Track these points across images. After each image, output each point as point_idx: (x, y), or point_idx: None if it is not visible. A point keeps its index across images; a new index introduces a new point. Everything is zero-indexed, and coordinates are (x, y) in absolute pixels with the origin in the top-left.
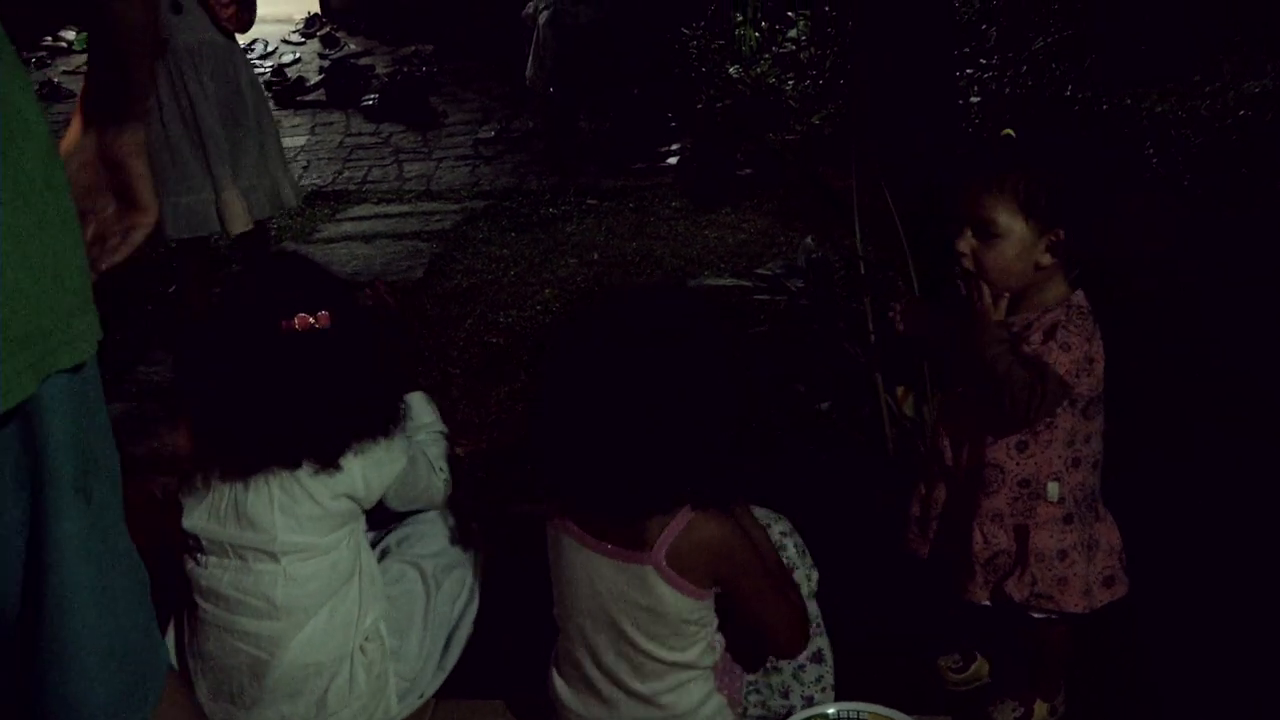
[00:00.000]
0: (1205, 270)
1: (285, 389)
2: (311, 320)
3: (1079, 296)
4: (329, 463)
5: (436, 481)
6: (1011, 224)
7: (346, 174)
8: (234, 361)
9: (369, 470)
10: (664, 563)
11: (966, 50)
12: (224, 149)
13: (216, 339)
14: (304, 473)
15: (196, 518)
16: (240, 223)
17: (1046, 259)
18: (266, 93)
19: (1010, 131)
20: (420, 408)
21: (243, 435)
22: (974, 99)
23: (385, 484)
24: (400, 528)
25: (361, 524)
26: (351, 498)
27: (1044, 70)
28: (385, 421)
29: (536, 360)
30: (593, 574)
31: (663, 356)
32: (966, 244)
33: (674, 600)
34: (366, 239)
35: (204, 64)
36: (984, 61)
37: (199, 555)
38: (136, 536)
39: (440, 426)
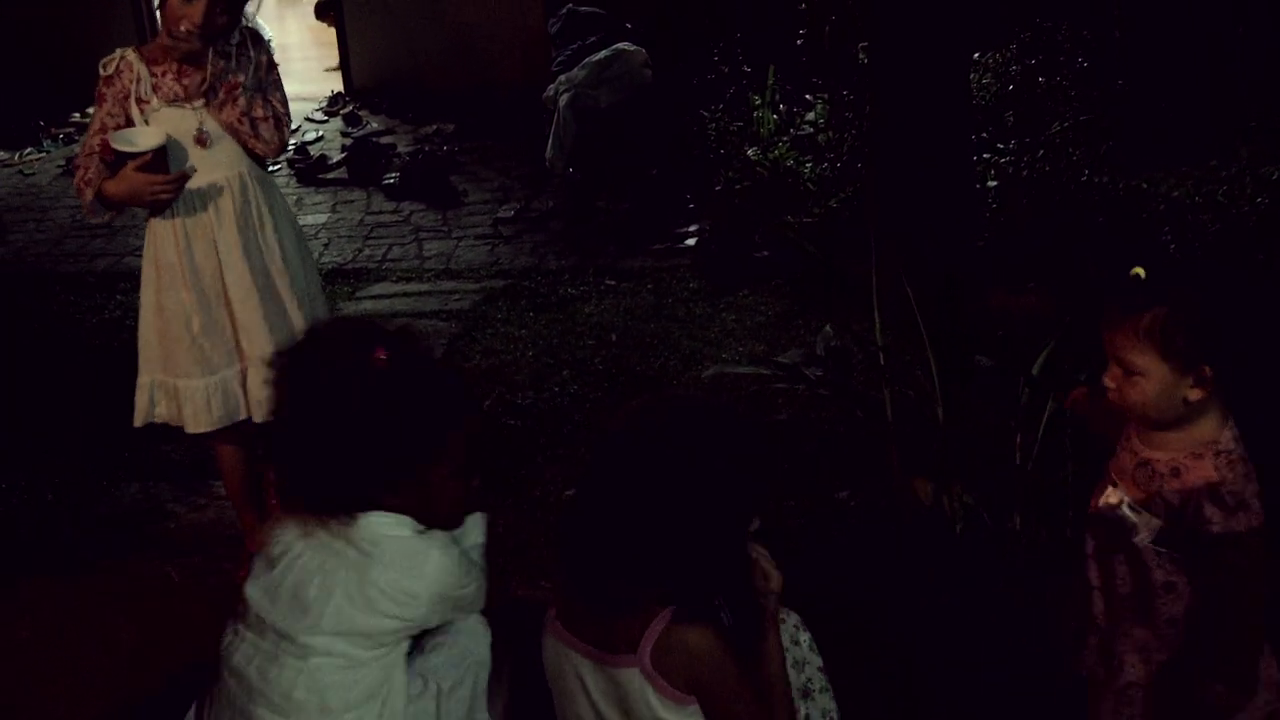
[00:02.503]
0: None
1: (354, 420)
2: (383, 357)
3: (1228, 436)
4: (365, 505)
5: (478, 599)
6: (1150, 365)
7: (367, 252)
8: (329, 394)
9: (435, 605)
10: (648, 664)
11: (984, 134)
12: (256, 316)
13: (307, 377)
14: (377, 573)
15: (255, 588)
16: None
17: (1195, 394)
18: (289, 170)
19: (1140, 271)
20: (474, 527)
21: (321, 470)
22: (991, 183)
23: (444, 616)
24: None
25: (403, 649)
26: (405, 620)
27: (1061, 155)
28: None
29: (554, 444)
30: (584, 680)
31: (662, 465)
32: (1111, 378)
33: (658, 704)
34: (385, 318)
35: (226, 207)
36: (1001, 146)
37: (240, 627)
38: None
39: (481, 548)
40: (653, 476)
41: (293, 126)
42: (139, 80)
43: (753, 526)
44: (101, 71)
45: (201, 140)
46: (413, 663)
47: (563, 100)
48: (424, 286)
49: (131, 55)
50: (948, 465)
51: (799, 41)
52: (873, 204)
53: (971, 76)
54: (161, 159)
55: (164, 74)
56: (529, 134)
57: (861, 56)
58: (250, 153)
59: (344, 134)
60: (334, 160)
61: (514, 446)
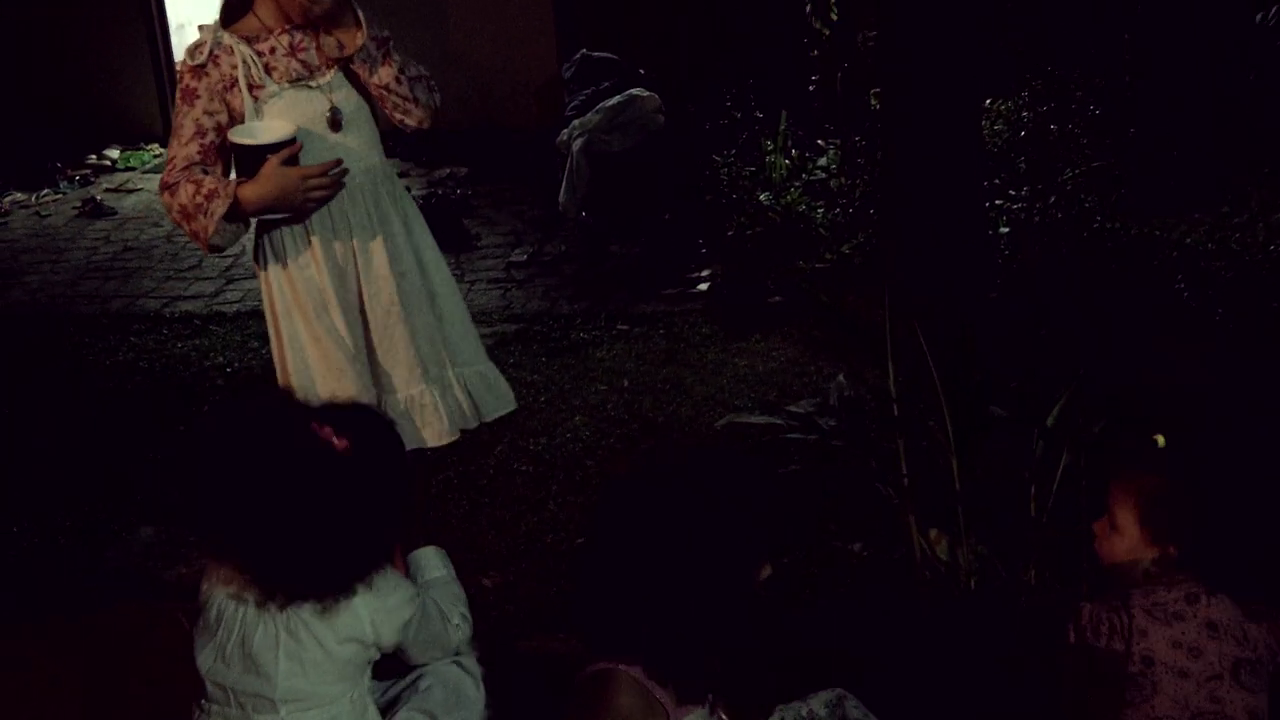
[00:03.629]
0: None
1: (295, 501)
2: (334, 439)
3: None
4: (324, 596)
5: (451, 631)
6: (1127, 525)
7: None
8: (252, 466)
9: (376, 615)
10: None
11: (996, 181)
12: (402, 337)
13: (235, 447)
14: (309, 614)
15: (205, 657)
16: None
17: (1152, 570)
18: None
19: (1160, 439)
20: (431, 562)
21: (247, 547)
22: (1003, 229)
23: (394, 630)
24: (410, 675)
25: (366, 681)
26: (360, 643)
27: (1073, 201)
28: (371, 563)
29: (566, 491)
30: None
31: (667, 514)
32: (1099, 524)
33: None
34: None
35: (362, 206)
36: (1013, 192)
37: (204, 703)
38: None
39: (452, 580)
40: (657, 525)
41: None
42: (244, 63)
43: (764, 574)
44: (189, 61)
45: (335, 123)
46: (411, 703)
47: (576, 145)
48: None
49: (227, 37)
50: (962, 517)
51: (811, 88)
52: (885, 250)
53: (983, 123)
54: (294, 152)
55: (272, 51)
56: (542, 178)
57: (873, 103)
58: (389, 131)
59: None
60: None
61: (525, 493)
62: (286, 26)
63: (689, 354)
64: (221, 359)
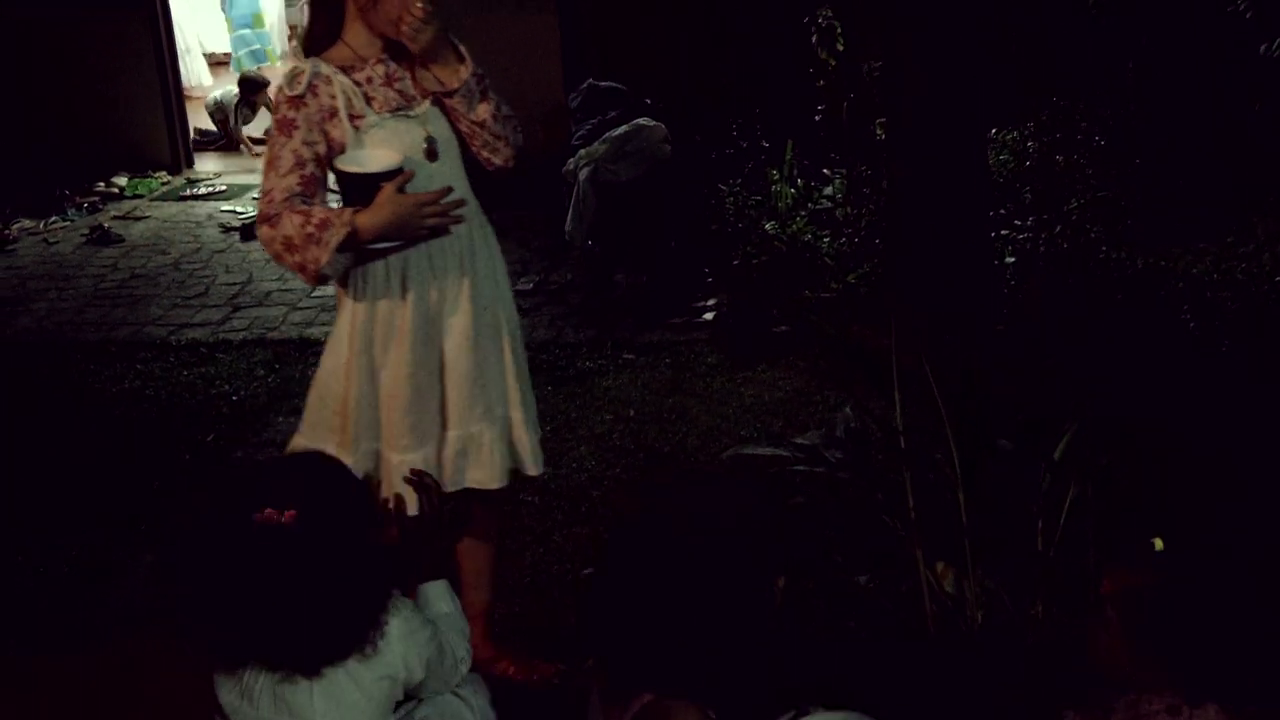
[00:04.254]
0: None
1: (249, 586)
2: (279, 516)
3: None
4: (308, 671)
5: (457, 666)
6: (1117, 627)
7: None
8: (207, 556)
9: (408, 652)
10: None
11: (1002, 211)
12: (471, 380)
13: (195, 534)
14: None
15: (228, 695)
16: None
17: (1139, 675)
18: None
19: (1158, 541)
20: (438, 596)
21: (216, 636)
22: (1009, 259)
23: (422, 666)
24: (407, 705)
25: (391, 717)
26: (392, 679)
27: (1079, 231)
28: (361, 632)
29: (572, 521)
30: None
31: (678, 549)
32: (1093, 621)
33: None
34: None
35: (451, 242)
36: (1019, 223)
37: None
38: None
39: (459, 614)
40: (668, 559)
41: None
42: (343, 93)
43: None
44: (289, 91)
45: (433, 153)
46: None
47: (583, 174)
48: None
49: (324, 66)
50: (969, 551)
51: (817, 117)
52: (891, 280)
53: (988, 153)
54: (407, 180)
55: (369, 81)
56: (548, 206)
57: (879, 132)
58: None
59: None
60: None
61: (531, 523)
62: (382, 56)
63: (695, 383)
64: (227, 387)
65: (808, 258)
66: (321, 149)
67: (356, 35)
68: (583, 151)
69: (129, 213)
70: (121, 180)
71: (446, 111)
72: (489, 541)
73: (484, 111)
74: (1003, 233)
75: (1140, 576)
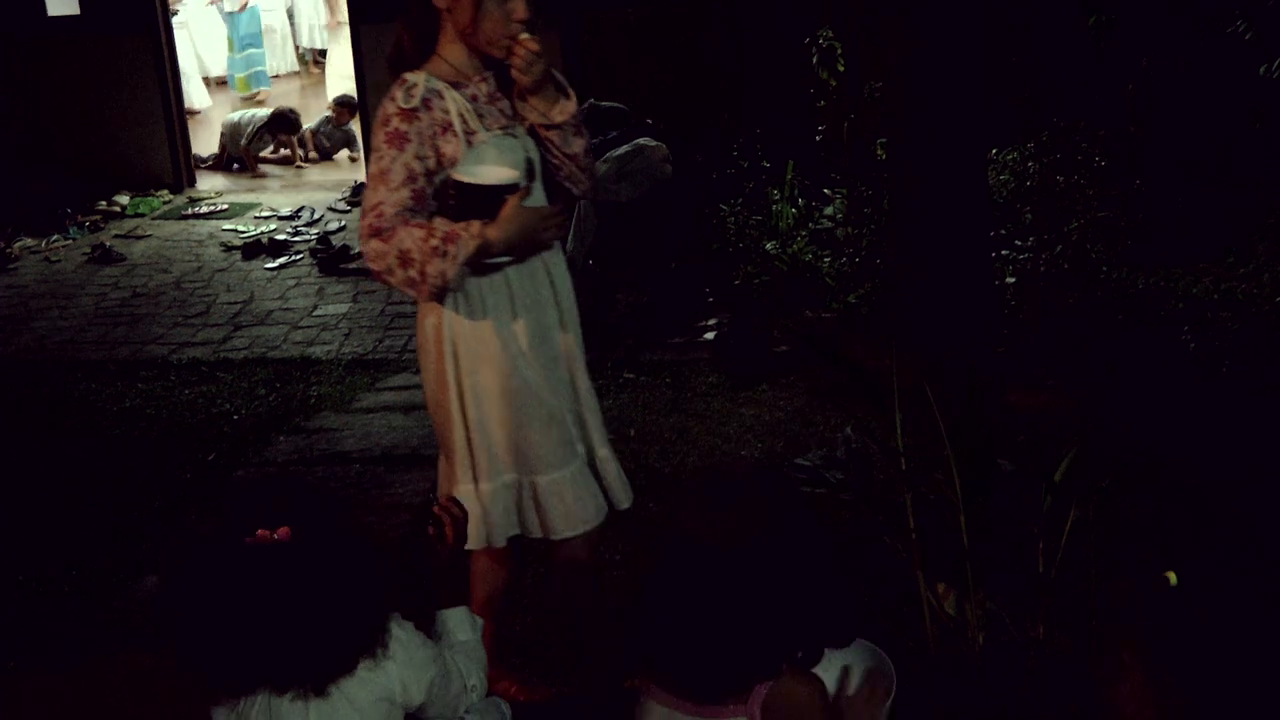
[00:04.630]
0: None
1: (249, 609)
2: (272, 535)
3: None
4: (316, 689)
5: (467, 694)
6: (1130, 678)
7: (387, 343)
8: (203, 589)
9: (405, 674)
10: (758, 715)
11: (1002, 231)
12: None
13: (188, 569)
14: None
15: (222, 718)
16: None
17: None
18: (311, 260)
19: (1172, 575)
20: (459, 623)
21: (217, 664)
22: (1010, 279)
23: (422, 690)
24: None
25: None
26: (390, 702)
27: (1079, 252)
28: (364, 643)
29: None
30: None
31: (763, 551)
32: (1104, 664)
33: None
34: (405, 410)
35: (548, 261)
36: (1019, 243)
37: None
38: None
39: (478, 644)
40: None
41: (317, 216)
42: (456, 108)
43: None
44: (402, 104)
45: (531, 174)
46: None
47: None
48: None
49: (436, 81)
50: (970, 572)
51: (818, 137)
52: (892, 301)
53: (989, 173)
54: (526, 195)
55: (474, 98)
56: None
57: (880, 153)
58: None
59: None
60: (356, 251)
61: (533, 543)
62: (484, 74)
63: (695, 403)
64: (228, 406)
65: (808, 277)
66: (432, 164)
67: (455, 53)
68: None
69: (131, 231)
70: (123, 199)
71: (539, 139)
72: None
73: (578, 146)
74: (1003, 253)
75: (1155, 615)
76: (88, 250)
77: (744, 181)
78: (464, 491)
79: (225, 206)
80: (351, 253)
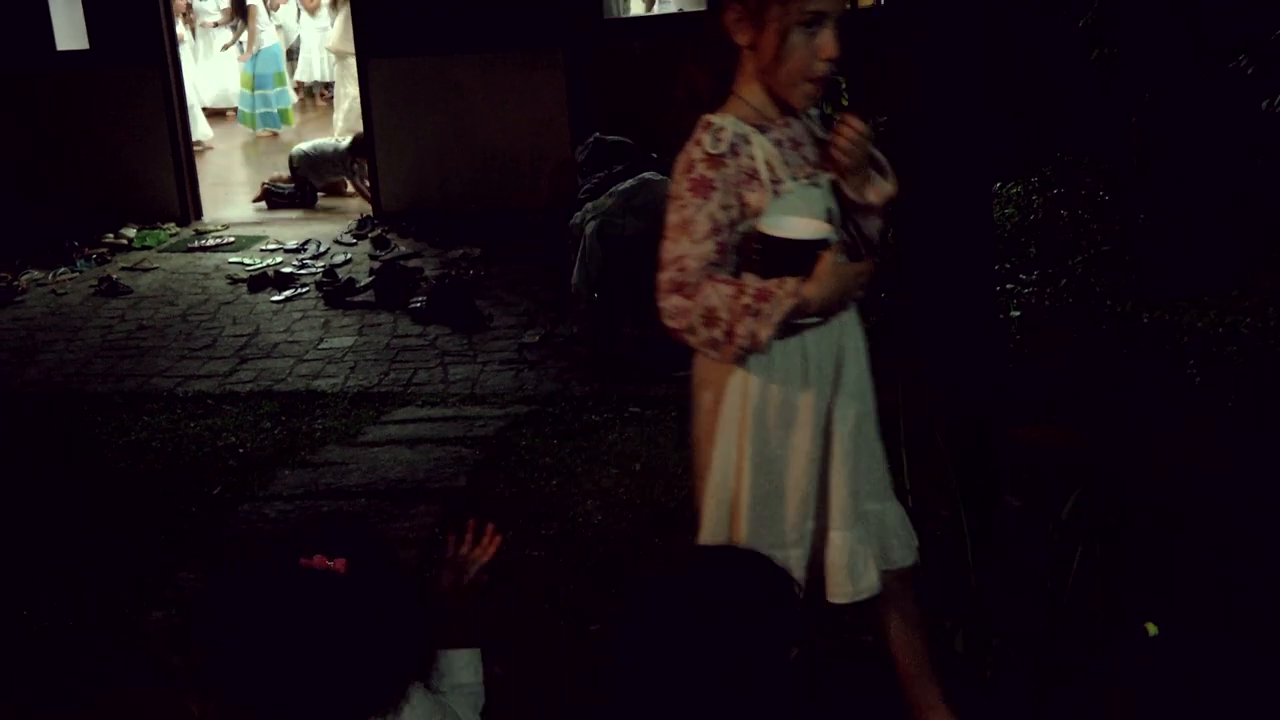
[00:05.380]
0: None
1: (289, 627)
2: (329, 563)
3: None
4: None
5: None
6: None
7: (392, 375)
8: (248, 603)
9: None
10: None
11: (1007, 265)
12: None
13: (233, 581)
14: None
15: None
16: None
17: None
18: (317, 293)
19: (1151, 627)
20: (463, 665)
21: (252, 691)
22: (1014, 313)
23: None
24: None
25: None
26: None
27: (1084, 285)
28: (388, 694)
29: (579, 576)
30: None
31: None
32: None
33: None
34: (410, 443)
35: (851, 324)
36: (1024, 276)
37: None
38: None
39: (478, 689)
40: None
41: (323, 249)
42: (763, 154)
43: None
44: (710, 149)
45: (832, 224)
46: None
47: (589, 228)
48: (448, 411)
49: (742, 125)
50: (977, 608)
51: None
52: (896, 334)
53: (994, 207)
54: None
55: (778, 144)
56: (554, 259)
57: None
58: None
59: (372, 257)
60: (362, 283)
61: (537, 579)
62: (785, 118)
63: None
64: (234, 439)
65: None
66: (734, 214)
67: (755, 94)
68: (589, 205)
69: (137, 264)
70: (130, 231)
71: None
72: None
73: (875, 228)
74: (1008, 286)
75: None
76: (94, 283)
77: None
78: None
79: (232, 239)
80: (357, 285)
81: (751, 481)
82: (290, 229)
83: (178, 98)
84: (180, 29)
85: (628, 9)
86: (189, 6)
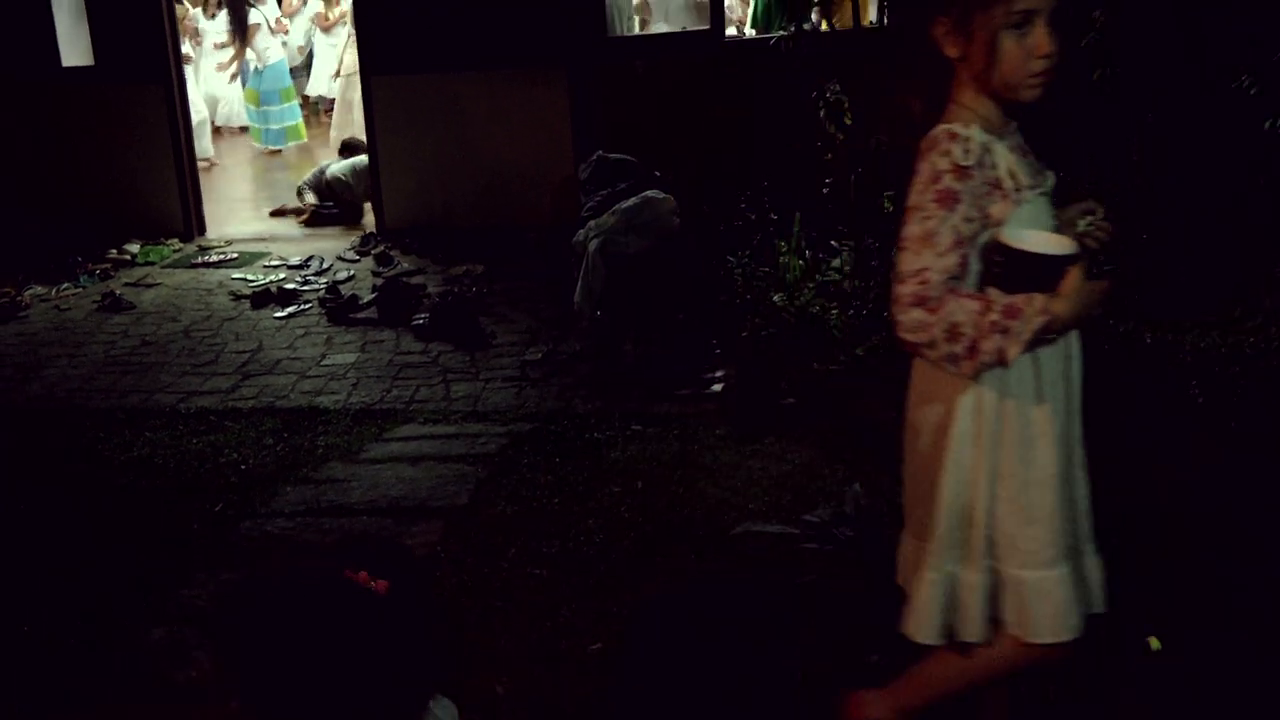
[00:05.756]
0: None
1: (322, 638)
2: (371, 582)
3: None
4: None
5: None
6: None
7: (395, 393)
8: (283, 607)
9: None
10: None
11: None
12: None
13: (274, 584)
14: None
15: None
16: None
17: None
18: (320, 309)
19: (1154, 640)
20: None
21: (303, 704)
22: None
23: None
24: None
25: None
26: None
27: None
28: (414, 704)
29: (580, 595)
30: None
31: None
32: None
33: None
34: (413, 461)
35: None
36: None
37: None
38: None
39: None
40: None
41: (326, 265)
42: (1005, 164)
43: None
44: (960, 160)
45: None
46: None
47: (592, 246)
48: (451, 429)
49: (983, 134)
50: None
51: (825, 190)
52: (899, 354)
53: None
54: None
55: (1010, 151)
56: (557, 276)
57: (887, 205)
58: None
59: (375, 274)
60: (364, 300)
61: (539, 597)
62: (1010, 124)
63: (703, 455)
64: (236, 455)
65: (816, 330)
66: (976, 227)
67: (978, 101)
68: (592, 223)
69: (140, 280)
70: (134, 247)
71: None
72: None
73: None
74: None
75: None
76: (98, 298)
77: (751, 233)
78: (934, 578)
79: (235, 255)
80: (360, 302)
81: (990, 499)
82: (294, 245)
83: (182, 114)
84: (187, 49)
85: (631, 27)
86: (195, 30)
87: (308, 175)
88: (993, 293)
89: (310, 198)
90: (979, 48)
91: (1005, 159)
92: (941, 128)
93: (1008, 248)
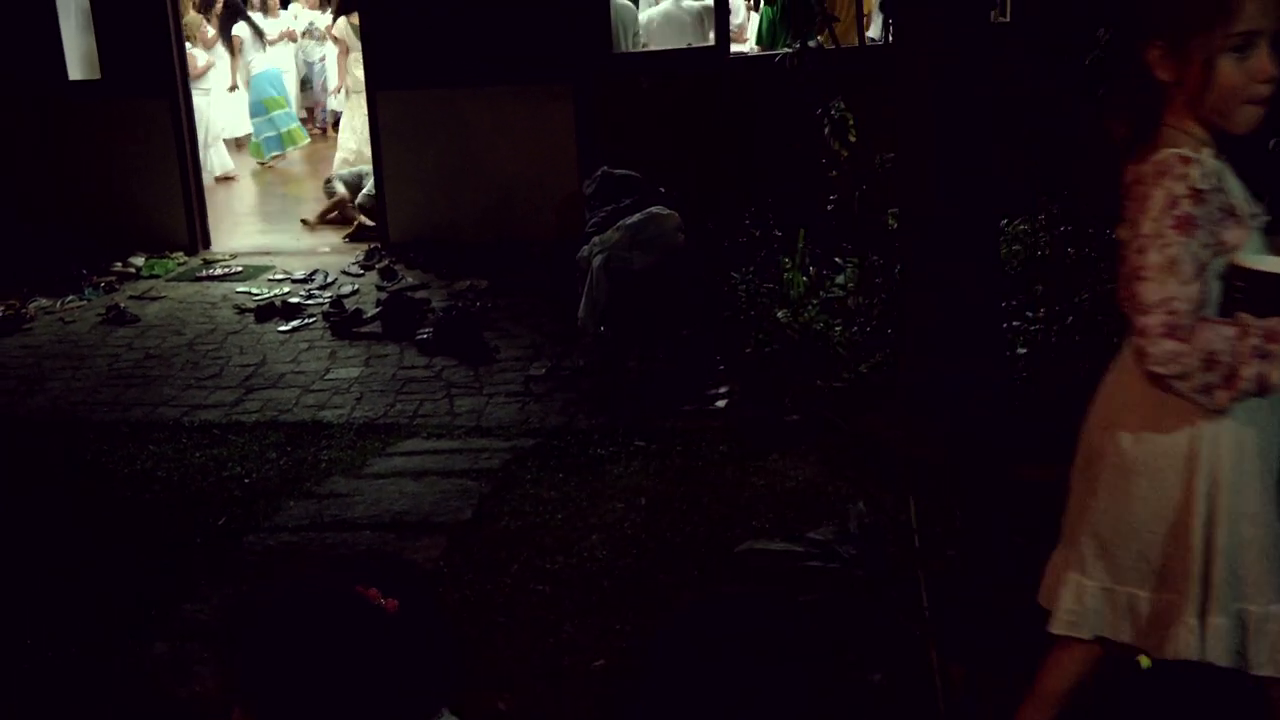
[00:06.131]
0: None
1: (337, 657)
2: (382, 599)
3: None
4: None
5: None
6: None
7: (398, 407)
8: (293, 617)
9: None
10: None
11: (1014, 302)
12: None
13: (284, 595)
14: None
15: None
16: None
17: None
18: (324, 323)
19: (1144, 659)
20: None
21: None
22: (1020, 350)
23: None
24: None
25: None
26: None
27: (1091, 322)
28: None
29: (583, 611)
30: None
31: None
32: None
33: None
34: (416, 476)
35: None
36: (1030, 314)
37: None
38: None
39: None
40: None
41: (331, 279)
42: (1237, 189)
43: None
44: (1197, 184)
45: None
46: None
47: (596, 261)
48: (454, 444)
49: (1216, 161)
50: (984, 650)
51: (829, 207)
52: (903, 371)
53: (1001, 244)
54: None
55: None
56: (561, 291)
57: (891, 222)
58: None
59: (379, 288)
60: (369, 314)
61: (542, 614)
62: (1221, 155)
63: (707, 472)
64: (239, 469)
65: (820, 347)
66: (1210, 254)
67: (1191, 124)
68: (596, 239)
69: (145, 293)
70: (138, 260)
71: None
72: None
73: None
74: (1014, 324)
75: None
76: (102, 311)
77: (756, 250)
78: (1185, 631)
79: (239, 269)
80: (364, 316)
81: (1226, 539)
82: (298, 259)
83: (187, 128)
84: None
85: (637, 44)
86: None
87: (343, 171)
88: (1245, 317)
89: (341, 189)
90: (1195, 71)
91: (1234, 184)
92: (1169, 152)
93: (1252, 272)
